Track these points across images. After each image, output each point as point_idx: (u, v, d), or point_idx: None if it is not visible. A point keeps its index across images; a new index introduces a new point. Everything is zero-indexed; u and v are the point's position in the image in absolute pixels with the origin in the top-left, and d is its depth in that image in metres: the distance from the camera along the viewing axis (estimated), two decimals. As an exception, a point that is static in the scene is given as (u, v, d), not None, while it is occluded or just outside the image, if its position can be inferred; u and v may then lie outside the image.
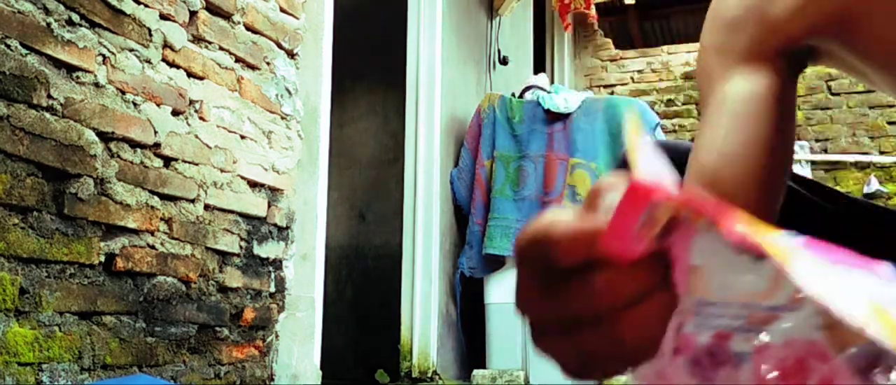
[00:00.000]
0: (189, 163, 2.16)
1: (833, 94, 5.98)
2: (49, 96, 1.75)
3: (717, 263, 0.33)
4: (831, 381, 0.32)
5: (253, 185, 2.41)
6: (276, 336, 2.48)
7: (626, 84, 6.67)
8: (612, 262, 0.33)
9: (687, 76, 6.42)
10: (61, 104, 1.78)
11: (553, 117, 3.70)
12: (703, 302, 0.34)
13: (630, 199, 0.32)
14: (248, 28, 2.42)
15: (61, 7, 1.79)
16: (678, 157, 0.89)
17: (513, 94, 3.96)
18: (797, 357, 0.33)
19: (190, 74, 2.18)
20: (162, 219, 2.06)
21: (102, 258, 1.88)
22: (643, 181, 0.32)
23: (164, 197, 2.07)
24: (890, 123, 5.84)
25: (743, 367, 0.34)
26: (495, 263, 3.67)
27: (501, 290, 3.66)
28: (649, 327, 0.34)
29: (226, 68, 2.32)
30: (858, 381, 0.32)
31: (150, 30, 2.05)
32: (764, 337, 0.34)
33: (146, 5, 2.04)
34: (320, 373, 2.72)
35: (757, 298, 0.33)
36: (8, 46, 1.67)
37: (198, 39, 2.22)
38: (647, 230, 0.33)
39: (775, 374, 0.33)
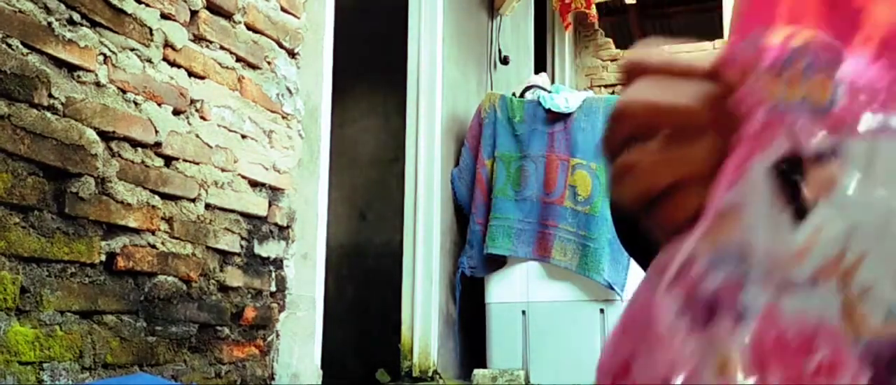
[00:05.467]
0: (190, 162, 2.16)
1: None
2: (50, 95, 1.76)
3: (757, 202, 0.31)
4: (835, 365, 0.29)
5: (254, 184, 2.41)
6: (277, 335, 2.48)
7: (626, 84, 6.66)
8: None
9: (687, 76, 6.41)
10: (62, 103, 1.78)
11: (554, 117, 3.69)
12: (729, 242, 0.31)
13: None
14: (248, 27, 2.42)
15: (62, 6, 1.79)
16: None
17: (513, 94, 3.96)
18: (805, 333, 0.30)
19: (191, 74, 2.18)
20: (163, 218, 2.06)
21: (103, 257, 1.88)
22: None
23: (165, 196, 2.07)
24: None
25: (744, 324, 0.31)
26: (496, 263, 3.67)
27: (502, 289, 3.66)
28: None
29: (227, 67, 2.32)
30: (865, 372, 0.29)
31: (151, 29, 2.05)
32: (780, 300, 0.30)
33: (147, 5, 2.04)
34: (321, 372, 2.72)
35: (784, 257, 0.30)
36: (9, 45, 1.67)
37: (199, 39, 2.22)
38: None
39: (775, 343, 0.30)
